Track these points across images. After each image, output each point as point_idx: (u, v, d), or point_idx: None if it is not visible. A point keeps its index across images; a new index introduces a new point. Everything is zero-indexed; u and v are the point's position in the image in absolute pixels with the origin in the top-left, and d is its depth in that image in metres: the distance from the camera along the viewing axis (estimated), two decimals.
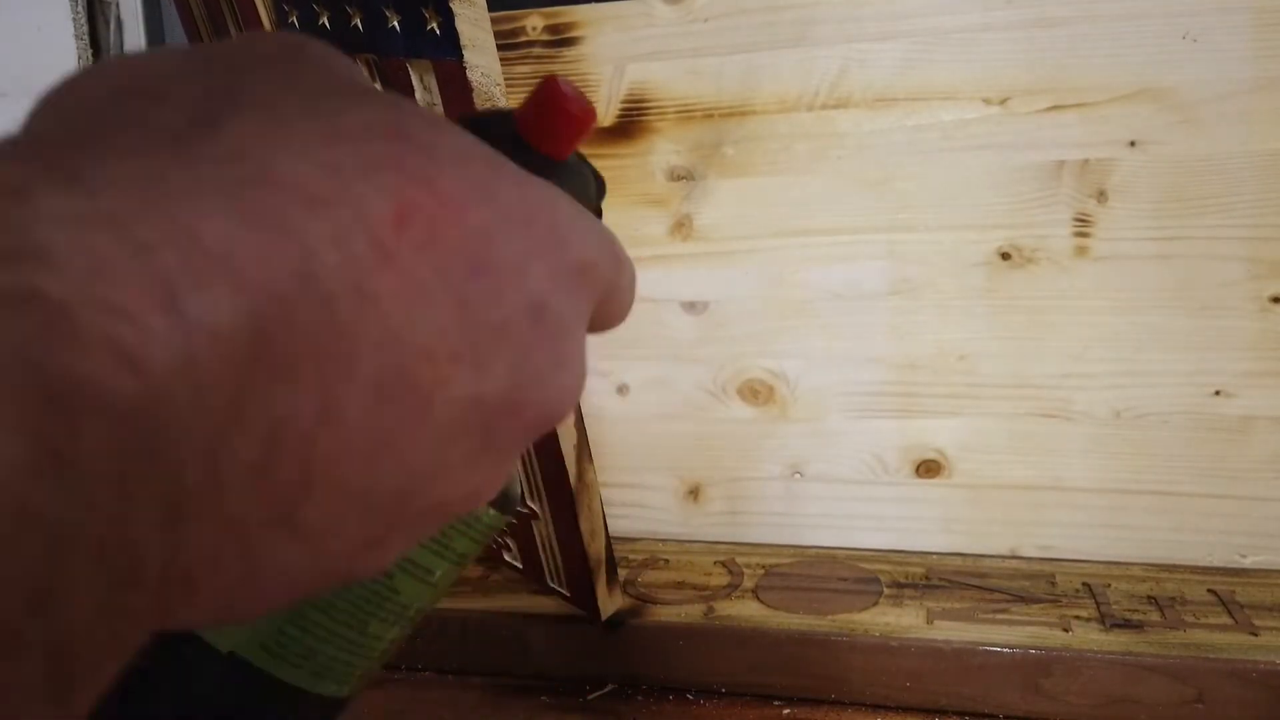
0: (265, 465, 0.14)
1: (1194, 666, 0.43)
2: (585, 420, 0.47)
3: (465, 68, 0.39)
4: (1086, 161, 0.58)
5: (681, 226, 0.64)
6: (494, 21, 0.65)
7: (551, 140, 0.23)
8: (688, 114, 0.63)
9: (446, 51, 0.39)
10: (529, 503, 0.51)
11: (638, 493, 0.67)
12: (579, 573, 0.50)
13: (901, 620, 0.49)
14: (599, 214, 0.24)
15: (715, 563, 0.58)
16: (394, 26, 0.40)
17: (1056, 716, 0.45)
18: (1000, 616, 0.49)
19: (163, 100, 0.16)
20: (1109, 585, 0.52)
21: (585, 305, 0.20)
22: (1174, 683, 0.44)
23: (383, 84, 0.43)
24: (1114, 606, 0.50)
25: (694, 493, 0.66)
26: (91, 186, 0.13)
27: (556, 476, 0.47)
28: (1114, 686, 0.44)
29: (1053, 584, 0.53)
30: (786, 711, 0.49)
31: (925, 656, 0.47)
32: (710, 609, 0.52)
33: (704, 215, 0.64)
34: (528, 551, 0.55)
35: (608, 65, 0.64)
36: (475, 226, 0.17)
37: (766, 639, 0.49)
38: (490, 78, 0.39)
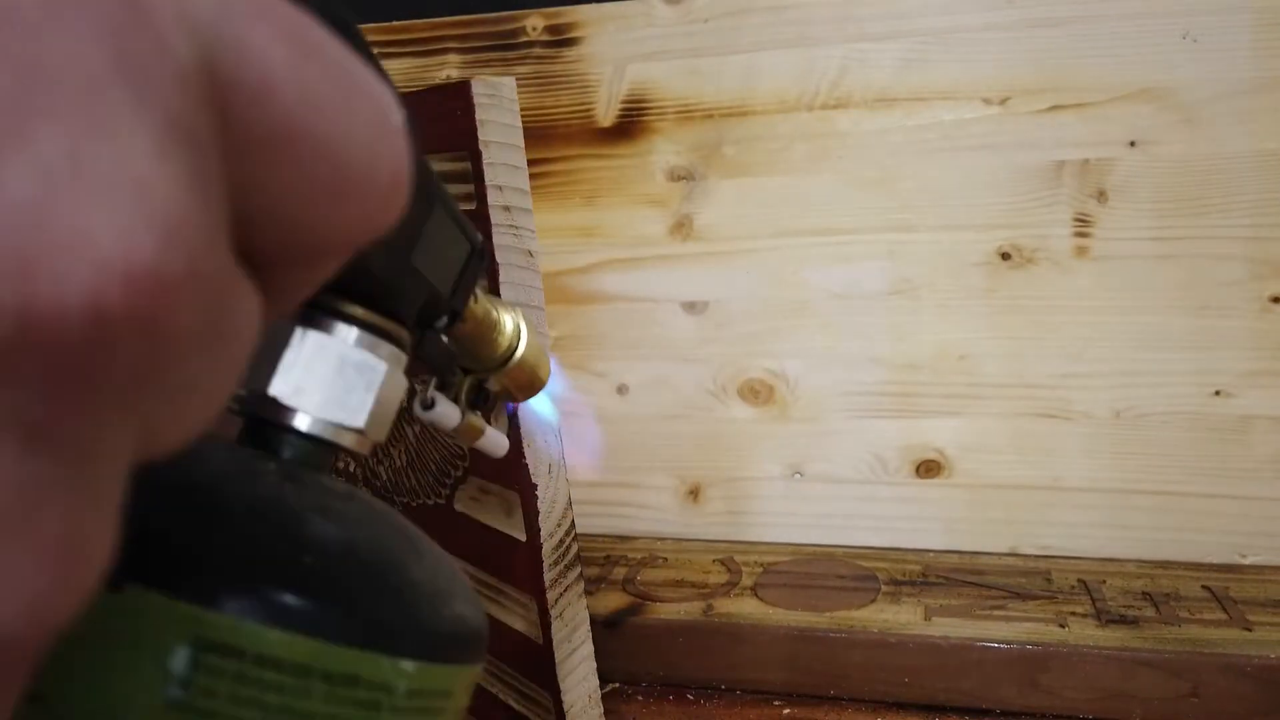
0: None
1: (1189, 661, 0.43)
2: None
3: None
4: (1086, 161, 0.58)
5: (681, 226, 0.64)
6: (494, 21, 0.66)
7: None
8: (688, 114, 0.64)
9: None
10: None
11: (638, 493, 0.67)
12: None
13: (899, 617, 0.49)
14: None
15: (714, 561, 0.58)
16: None
17: (1053, 711, 0.45)
18: (997, 613, 0.49)
19: None
20: (1104, 581, 0.52)
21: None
22: (1169, 677, 0.43)
23: None
24: (1109, 603, 0.50)
25: (694, 492, 0.66)
26: None
27: None
28: (1110, 681, 0.44)
29: (1048, 580, 0.53)
30: (786, 711, 0.49)
31: (923, 652, 0.47)
32: (709, 606, 0.52)
33: (704, 215, 0.64)
34: None
35: (608, 65, 0.64)
36: None
37: (765, 636, 0.49)
38: None
